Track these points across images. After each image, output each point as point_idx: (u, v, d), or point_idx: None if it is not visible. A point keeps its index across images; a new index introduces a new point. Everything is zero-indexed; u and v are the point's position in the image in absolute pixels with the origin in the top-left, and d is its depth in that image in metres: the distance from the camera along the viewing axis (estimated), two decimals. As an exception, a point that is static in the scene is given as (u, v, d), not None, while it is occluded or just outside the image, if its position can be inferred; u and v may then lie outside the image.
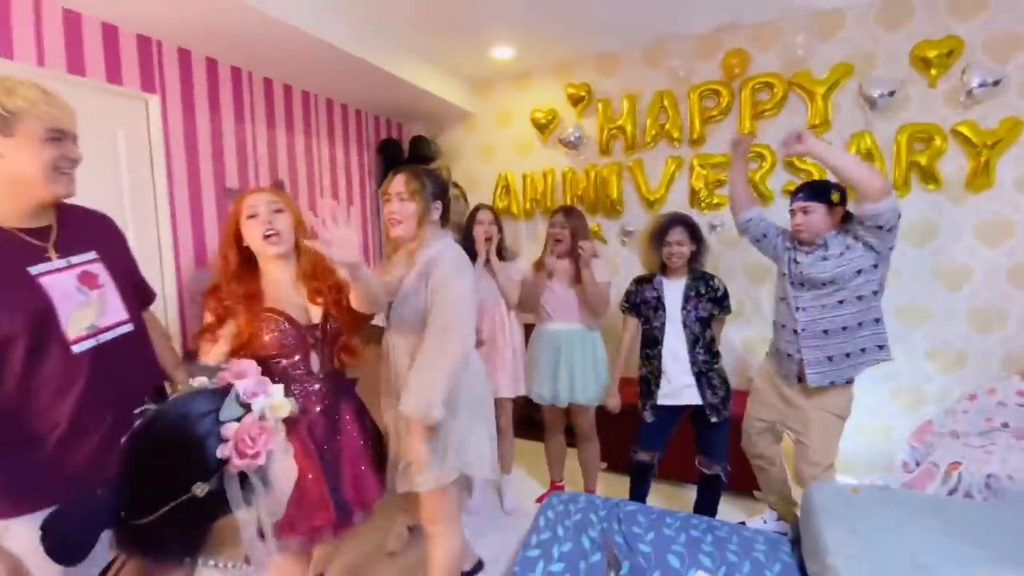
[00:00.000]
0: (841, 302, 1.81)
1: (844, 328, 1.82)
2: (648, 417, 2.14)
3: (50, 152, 1.01)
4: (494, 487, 2.65)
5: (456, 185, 2.73)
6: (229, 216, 1.39)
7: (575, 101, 3.27)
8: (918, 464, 2.23)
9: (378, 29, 2.67)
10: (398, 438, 1.52)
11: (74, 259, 1.08)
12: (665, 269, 2.17)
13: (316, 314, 1.38)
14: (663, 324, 2.11)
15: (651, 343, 2.15)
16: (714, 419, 2.04)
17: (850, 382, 1.88)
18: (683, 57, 2.96)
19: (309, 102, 3.14)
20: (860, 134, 2.65)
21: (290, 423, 1.08)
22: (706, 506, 2.18)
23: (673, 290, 2.13)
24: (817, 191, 1.85)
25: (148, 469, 0.62)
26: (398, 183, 1.48)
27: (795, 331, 1.88)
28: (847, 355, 1.83)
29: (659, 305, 2.14)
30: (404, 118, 3.85)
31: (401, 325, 1.49)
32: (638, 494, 2.24)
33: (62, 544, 0.56)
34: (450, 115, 3.67)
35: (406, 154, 3.67)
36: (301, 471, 1.19)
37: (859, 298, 1.80)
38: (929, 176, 2.55)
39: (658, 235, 2.13)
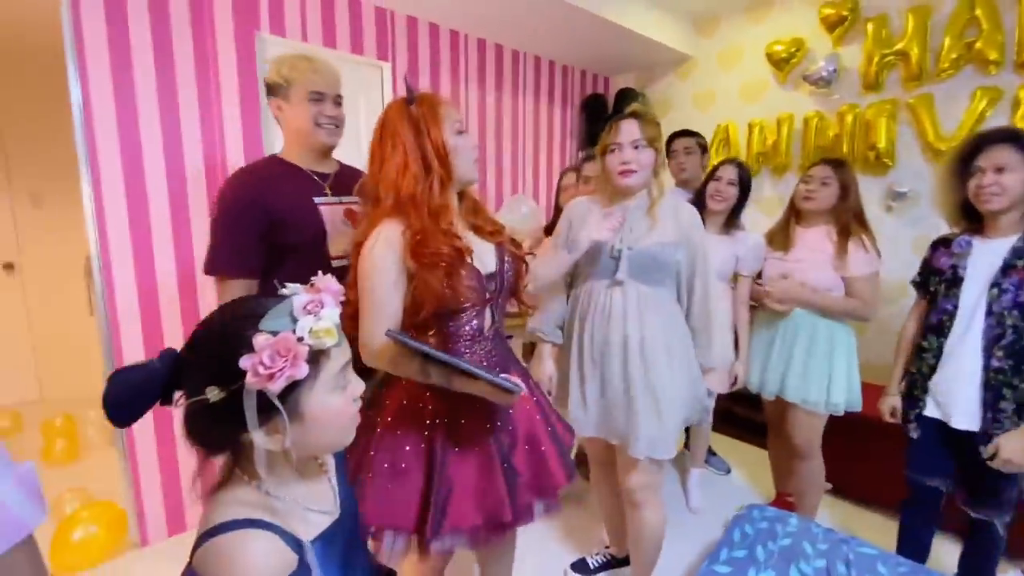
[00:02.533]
0: None
1: None
2: (912, 431, 1.52)
3: (312, 109, 1.29)
4: (680, 481, 2.38)
5: (693, 134, 2.39)
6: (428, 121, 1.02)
7: (832, 25, 2.56)
8: None
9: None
10: (632, 397, 1.38)
11: (344, 199, 1.35)
12: (981, 221, 1.42)
13: (489, 258, 1.11)
14: (954, 307, 1.42)
15: (934, 331, 1.47)
16: (981, 449, 1.34)
17: None
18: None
19: (518, 61, 3.13)
20: None
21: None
22: (974, 568, 1.50)
23: (985, 255, 1.38)
24: None
25: (190, 358, 0.59)
26: (631, 130, 1.36)
27: None
28: None
29: (954, 278, 1.43)
30: (612, 70, 3.59)
31: (644, 279, 1.40)
32: (911, 539, 1.60)
33: (109, 403, 0.57)
34: (664, 61, 3.28)
35: (610, 110, 3.44)
36: (477, 454, 1.05)
37: None
38: None
39: (963, 160, 1.41)
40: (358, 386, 0.68)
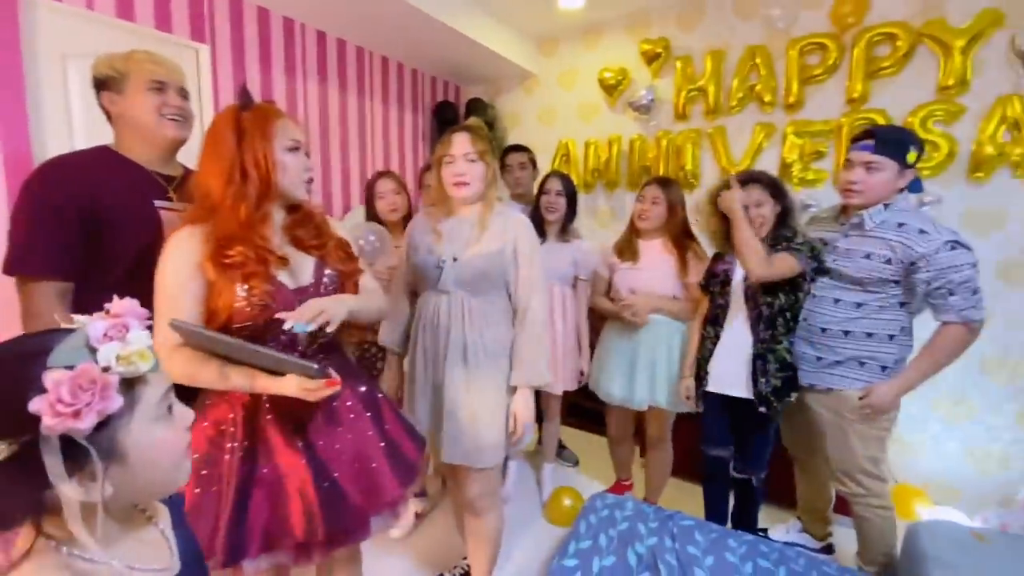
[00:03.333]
0: None
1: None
2: (700, 406, 1.83)
3: (154, 99, 1.19)
4: (535, 476, 2.48)
5: (524, 149, 2.50)
6: (266, 132, 1.01)
7: (650, 59, 2.91)
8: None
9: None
10: (455, 406, 1.41)
11: (187, 205, 1.22)
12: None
13: (306, 271, 1.09)
14: (727, 302, 1.76)
15: (711, 322, 1.81)
16: (762, 410, 1.67)
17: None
18: (784, 5, 2.53)
19: (364, 58, 2.99)
20: (1006, 98, 2.15)
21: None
22: (742, 516, 1.87)
23: None
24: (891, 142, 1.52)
25: None
26: (463, 143, 1.39)
27: None
28: None
29: (726, 279, 1.76)
30: (462, 80, 3.63)
31: (470, 289, 1.41)
32: (712, 506, 1.91)
33: None
34: (510, 76, 3.42)
35: (462, 118, 3.48)
36: (282, 473, 1.00)
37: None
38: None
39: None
40: (187, 413, 0.61)
